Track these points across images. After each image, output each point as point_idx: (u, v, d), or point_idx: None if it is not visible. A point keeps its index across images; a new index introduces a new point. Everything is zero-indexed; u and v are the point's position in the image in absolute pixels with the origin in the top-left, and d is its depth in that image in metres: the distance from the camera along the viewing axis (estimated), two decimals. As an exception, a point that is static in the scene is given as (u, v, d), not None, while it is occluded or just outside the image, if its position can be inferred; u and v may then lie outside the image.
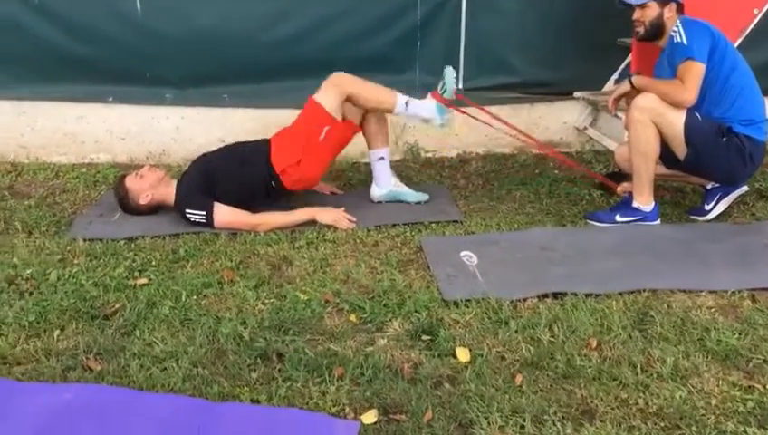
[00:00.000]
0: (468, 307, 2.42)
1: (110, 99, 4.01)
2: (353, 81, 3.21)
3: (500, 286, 2.56)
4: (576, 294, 2.48)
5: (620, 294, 2.49)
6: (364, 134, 3.43)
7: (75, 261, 2.84)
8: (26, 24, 3.82)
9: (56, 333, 2.29)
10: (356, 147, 3.97)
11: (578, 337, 2.23)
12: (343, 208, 3.22)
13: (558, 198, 3.51)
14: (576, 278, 2.62)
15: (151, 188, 3.26)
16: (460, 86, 4.12)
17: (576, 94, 4.18)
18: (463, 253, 2.87)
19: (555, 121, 4.28)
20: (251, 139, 3.96)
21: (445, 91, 3.24)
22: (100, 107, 4.03)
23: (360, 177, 3.91)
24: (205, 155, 3.37)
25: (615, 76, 4.18)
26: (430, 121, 3.29)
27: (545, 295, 2.50)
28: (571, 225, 3.19)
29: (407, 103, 3.23)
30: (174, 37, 3.90)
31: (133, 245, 3.01)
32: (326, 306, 2.47)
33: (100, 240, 3.03)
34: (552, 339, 2.23)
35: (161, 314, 2.41)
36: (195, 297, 2.54)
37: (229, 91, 4.04)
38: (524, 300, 2.47)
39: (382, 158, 3.43)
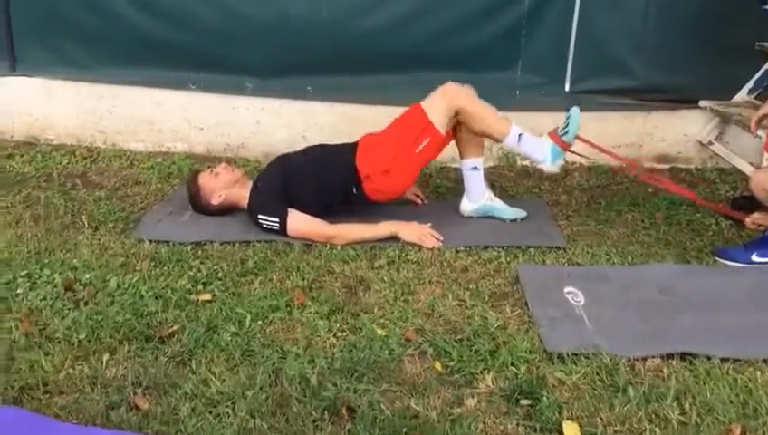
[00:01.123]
0: (576, 364, 2.03)
1: (192, 86, 3.79)
2: (468, 97, 2.87)
3: (614, 338, 2.16)
4: (709, 358, 2.05)
5: (766, 361, 2.04)
6: (456, 141, 3.06)
7: (138, 266, 2.62)
8: (108, 4, 3.64)
9: (106, 357, 2.05)
10: (446, 150, 3.63)
11: (716, 419, 1.81)
12: (430, 224, 2.88)
13: (678, 226, 3.04)
14: (707, 335, 2.18)
15: (225, 187, 3.01)
16: (566, 87, 3.71)
17: (702, 103, 3.66)
18: (567, 289, 2.47)
19: (674, 133, 3.77)
20: (334, 137, 3.72)
21: (566, 133, 2.86)
22: (180, 94, 3.83)
23: (449, 184, 3.56)
24: (285, 155, 3.10)
25: (750, 85, 3.63)
26: (538, 162, 2.93)
27: (670, 355, 2.08)
28: (696, 261, 2.73)
29: (520, 136, 2.87)
30: (259, 22, 3.64)
31: (200, 251, 2.76)
32: (407, 347, 2.14)
33: (167, 243, 2.81)
34: (683, 419, 1.81)
35: (222, 341, 2.14)
36: (260, 322, 2.26)
37: (314, 84, 3.75)
38: (644, 359, 2.06)
39: (476, 168, 3.06)
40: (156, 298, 2.39)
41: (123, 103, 3.87)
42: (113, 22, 3.67)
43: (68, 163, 3.70)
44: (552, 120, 3.73)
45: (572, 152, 2.97)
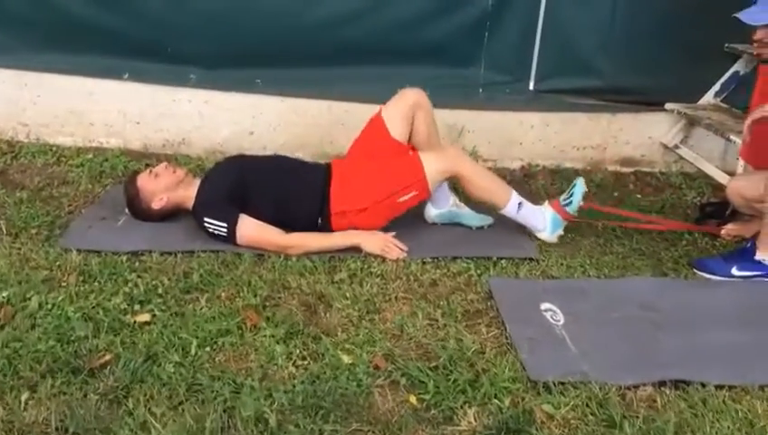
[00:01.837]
0: (564, 394, 1.85)
1: (126, 75, 3.43)
2: (470, 164, 2.73)
3: (600, 363, 1.98)
4: (704, 385, 1.89)
5: (763, 388, 1.90)
6: (415, 144, 2.85)
7: (64, 281, 2.30)
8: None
9: (25, 395, 1.74)
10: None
11: (721, 459, 1.65)
12: (393, 233, 2.65)
13: (650, 235, 2.90)
14: (697, 358, 2.03)
15: (167, 190, 2.70)
16: (531, 86, 3.54)
17: (668, 106, 3.55)
18: (544, 305, 2.29)
19: (638, 136, 3.66)
20: (285, 133, 3.47)
21: (569, 204, 2.71)
22: (114, 84, 3.46)
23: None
24: (245, 157, 2.82)
25: (716, 88, 3.55)
26: (536, 231, 2.77)
27: (663, 382, 1.91)
28: (674, 273, 2.60)
29: (519, 205, 2.70)
30: (205, 7, 3.30)
31: (137, 262, 2.46)
32: (376, 376, 1.91)
33: (98, 253, 2.49)
34: (686, 460, 1.65)
35: (164, 373, 1.86)
36: (208, 349, 1.99)
37: (263, 76, 3.45)
38: (636, 387, 1.89)
39: (438, 172, 2.85)
40: (85, 320, 2.08)
41: (49, 93, 3.47)
42: (39, 2, 3.28)
43: (-16, 159, 3.30)
44: (516, 119, 3.60)
45: (573, 220, 2.80)
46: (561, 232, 2.76)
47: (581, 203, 2.71)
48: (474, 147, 3.60)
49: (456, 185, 2.81)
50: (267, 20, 3.35)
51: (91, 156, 3.40)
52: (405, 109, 2.77)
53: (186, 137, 3.55)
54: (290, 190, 2.66)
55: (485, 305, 2.32)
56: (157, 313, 2.15)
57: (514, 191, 2.72)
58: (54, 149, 3.44)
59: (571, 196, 2.71)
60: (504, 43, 3.48)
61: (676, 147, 3.57)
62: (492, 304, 2.31)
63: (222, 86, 3.47)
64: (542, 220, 2.73)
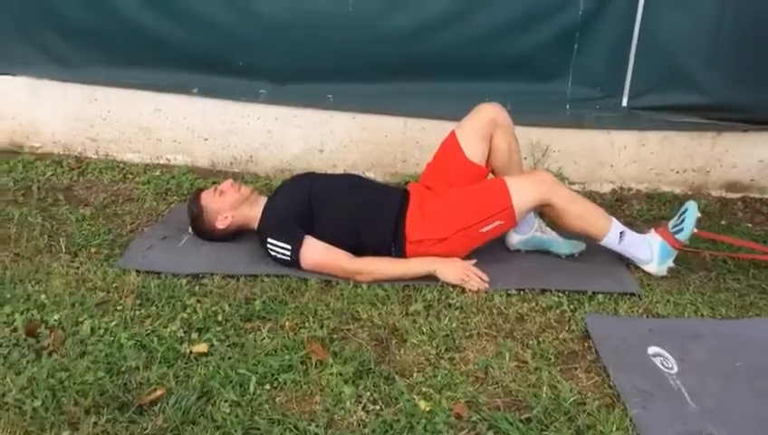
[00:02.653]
0: (687, 463, 1.53)
1: (195, 90, 3.32)
2: (564, 191, 2.43)
3: (729, 425, 1.66)
4: None
5: None
6: (492, 160, 2.59)
7: (120, 305, 2.14)
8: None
9: (65, 433, 1.56)
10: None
11: None
12: (473, 261, 2.39)
13: (769, 269, 2.54)
14: None
15: (232, 208, 2.54)
16: (624, 103, 3.22)
17: (782, 124, 3.17)
18: (652, 350, 1.98)
19: (747, 157, 3.28)
20: (356, 152, 3.26)
21: (680, 231, 2.40)
22: (183, 99, 3.36)
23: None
24: (315, 175, 2.64)
25: (839, 105, 3.14)
26: (642, 263, 2.46)
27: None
28: (803, 316, 2.23)
29: (621, 234, 2.41)
30: (275, 20, 3.15)
31: (198, 286, 2.28)
32: (458, 427, 1.65)
33: (158, 274, 2.33)
34: None
35: (219, 413, 1.65)
36: (268, 387, 1.78)
37: (335, 91, 3.26)
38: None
39: (521, 193, 2.57)
40: (138, 348, 1.91)
41: (118, 108, 3.40)
42: (108, 15, 3.20)
43: (52, 175, 3.23)
44: (606, 139, 3.29)
45: (686, 250, 2.49)
46: (671, 264, 2.44)
47: (695, 230, 2.38)
48: (559, 168, 3.31)
49: (542, 211, 2.51)
50: (339, 33, 3.16)
51: (157, 173, 3.29)
52: (481, 127, 2.53)
53: (254, 154, 3.40)
54: (363, 213, 2.45)
55: (582, 346, 2.02)
56: (215, 342, 1.96)
57: (614, 219, 2.42)
58: (122, 165, 3.36)
59: (682, 221, 2.40)
60: (595, 56, 3.18)
61: (793, 170, 3.18)
62: (589, 346, 2.02)
63: (292, 102, 3.31)
64: (649, 251, 2.43)
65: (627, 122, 3.25)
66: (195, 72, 3.29)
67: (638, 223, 2.97)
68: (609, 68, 3.21)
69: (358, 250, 2.41)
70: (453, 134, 2.57)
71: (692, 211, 2.39)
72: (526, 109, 3.01)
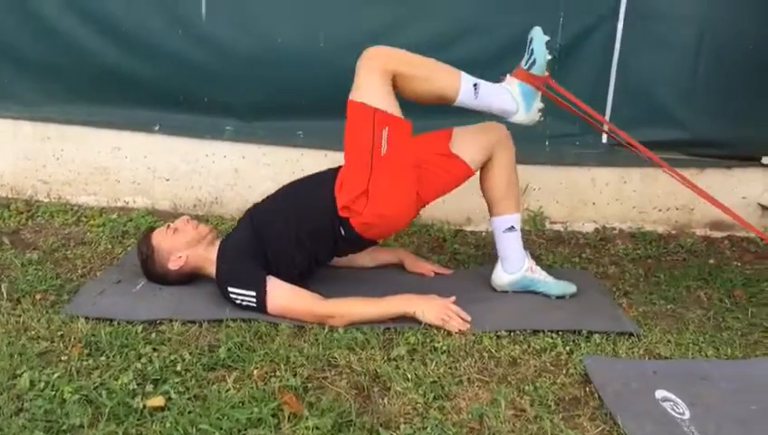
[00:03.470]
0: None
1: (157, 127, 3.13)
2: (395, 53, 2.16)
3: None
4: None
5: None
6: (484, 191, 2.43)
7: (65, 355, 1.90)
8: (59, 28, 3.00)
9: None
10: (456, 209, 3.02)
11: None
12: (453, 299, 2.20)
13: (767, 308, 2.41)
14: None
15: (187, 247, 2.32)
16: (603, 139, 3.13)
17: (765, 160, 3.10)
18: (660, 393, 1.81)
19: (730, 194, 3.19)
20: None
21: (533, 63, 2.17)
22: (143, 137, 3.16)
23: (470, 251, 2.91)
24: (254, 205, 2.44)
25: (821, 140, 3.10)
26: (510, 115, 2.22)
27: None
28: (813, 354, 2.09)
29: (475, 87, 2.16)
30: (243, 54, 3.00)
31: (154, 333, 2.05)
32: (454, 487, 1.43)
33: (110, 321, 2.10)
34: None
35: (175, 478, 1.41)
36: (235, 445, 1.54)
37: (305, 128, 3.11)
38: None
39: (512, 228, 2.41)
40: (83, 404, 1.67)
41: (73, 147, 3.19)
42: (64, 49, 3.02)
43: (-3, 219, 2.98)
44: (587, 176, 3.18)
45: (551, 91, 2.24)
46: (540, 104, 2.21)
47: (548, 56, 2.16)
48: (540, 207, 3.19)
49: (395, 86, 2.17)
50: (310, 69, 3.02)
51: (114, 216, 3.07)
52: (483, 140, 2.34)
53: (219, 195, 3.20)
54: (301, 212, 2.25)
55: (583, 392, 1.84)
56: (173, 395, 1.72)
57: (464, 72, 2.18)
58: (75, 208, 3.14)
59: (531, 53, 2.17)
60: (574, 91, 3.04)
61: (778, 207, 3.10)
62: (591, 390, 1.84)
63: (260, 139, 3.13)
64: (511, 98, 2.19)
65: (607, 159, 3.16)
66: (156, 108, 3.12)
67: (624, 263, 2.84)
68: (588, 103, 3.10)
69: (318, 253, 2.29)
70: (449, 128, 2.36)
71: (537, 38, 2.16)
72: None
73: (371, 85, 2.12)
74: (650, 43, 3.03)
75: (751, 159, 3.15)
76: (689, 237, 3.12)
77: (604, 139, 3.15)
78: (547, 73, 2.23)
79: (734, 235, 3.19)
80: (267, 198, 2.44)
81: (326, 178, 2.29)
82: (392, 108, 2.14)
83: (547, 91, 2.26)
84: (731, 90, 3.05)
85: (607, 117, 3.11)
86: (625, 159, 3.13)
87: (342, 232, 2.23)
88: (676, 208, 3.20)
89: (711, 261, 2.90)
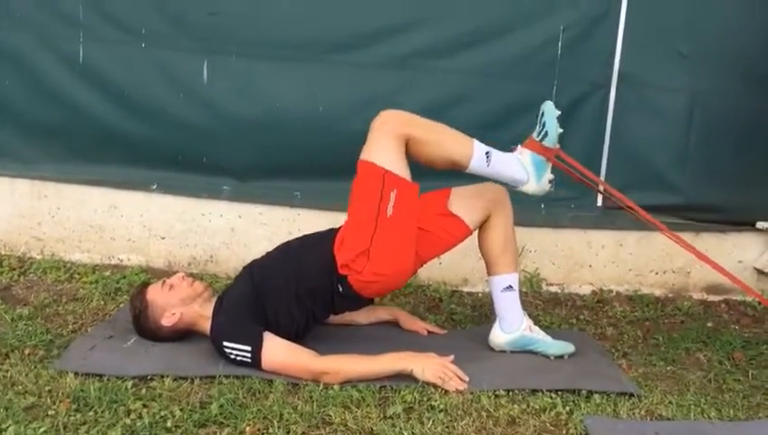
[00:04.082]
0: None
1: (154, 186, 3.14)
2: (409, 118, 2.21)
3: None
4: None
5: None
6: (482, 250, 2.43)
7: (52, 410, 1.85)
8: (58, 89, 3.04)
9: None
10: (452, 269, 3.01)
11: None
12: (451, 358, 2.17)
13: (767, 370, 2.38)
14: None
15: (182, 304, 2.30)
16: (599, 202, 3.16)
17: (760, 225, 3.13)
18: (663, 454, 1.75)
19: (727, 259, 3.19)
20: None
21: (545, 135, 2.21)
22: (140, 196, 3.17)
23: (466, 311, 2.89)
24: (252, 262, 2.44)
25: (814, 204, 3.13)
26: (520, 184, 2.25)
27: None
28: (817, 417, 2.05)
29: (488, 155, 2.20)
30: (244, 117, 3.04)
31: (145, 389, 2.00)
32: None
33: (100, 377, 2.05)
34: None
35: None
36: (225, 504, 1.48)
37: (303, 189, 3.13)
38: None
39: (510, 287, 2.40)
40: (69, 459, 1.61)
41: (69, 205, 3.19)
42: (64, 109, 3.04)
43: (-11, 275, 2.95)
44: (583, 239, 3.19)
45: (561, 163, 2.28)
46: (550, 175, 2.23)
47: (559, 129, 2.18)
48: (536, 268, 3.19)
49: (407, 151, 2.21)
50: (309, 132, 3.07)
51: (108, 273, 3.04)
52: (482, 200, 2.36)
53: (214, 254, 3.19)
54: (301, 271, 2.25)
55: (584, 452, 1.79)
56: (162, 452, 1.66)
57: (477, 140, 2.20)
58: (68, 265, 3.10)
59: (543, 126, 2.19)
60: (569, 155, 3.13)
61: (774, 271, 3.10)
62: (593, 451, 1.78)
63: (257, 199, 3.15)
64: (522, 169, 2.21)
65: (603, 222, 3.17)
66: (154, 168, 3.14)
67: (622, 325, 2.82)
68: (583, 166, 3.16)
69: (316, 310, 2.27)
70: (448, 188, 2.39)
71: (549, 111, 2.19)
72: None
73: (383, 147, 2.17)
74: (643, 111, 3.09)
75: (746, 224, 3.17)
76: (686, 300, 3.11)
77: (599, 202, 3.18)
78: (558, 146, 2.27)
79: (730, 298, 3.19)
80: (266, 254, 2.44)
81: (325, 237, 2.31)
82: (402, 171, 2.18)
83: (558, 163, 2.30)
84: (724, 156, 3.10)
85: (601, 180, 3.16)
86: (620, 221, 3.15)
87: (340, 289, 2.23)
88: (673, 271, 3.20)
89: (709, 324, 2.89)
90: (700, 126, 3.09)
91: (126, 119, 3.07)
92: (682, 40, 3.02)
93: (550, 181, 2.27)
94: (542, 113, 2.24)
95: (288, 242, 2.45)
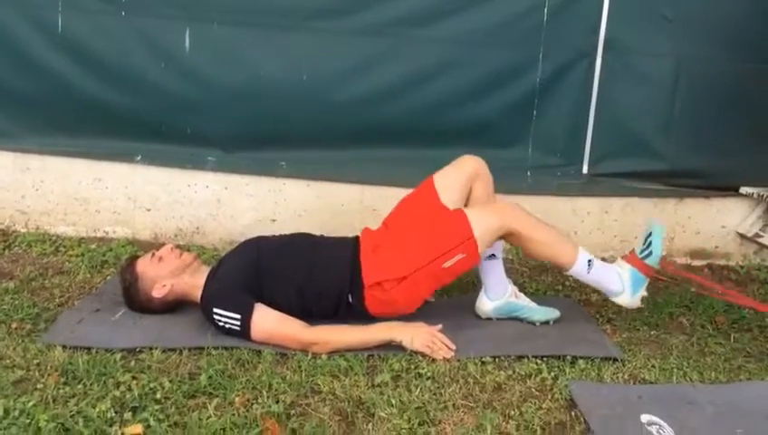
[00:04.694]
0: None
1: (138, 158, 3.11)
2: (526, 217, 2.27)
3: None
4: None
5: None
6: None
7: (41, 383, 1.85)
8: (39, 60, 2.98)
9: None
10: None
11: None
12: (439, 327, 2.19)
13: (752, 334, 2.44)
14: None
15: (172, 275, 2.30)
16: (585, 170, 3.17)
17: (744, 190, 3.15)
18: (645, 418, 1.80)
19: (711, 224, 3.24)
20: (311, 221, 3.08)
21: (649, 254, 2.25)
22: (124, 168, 3.14)
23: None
24: (263, 238, 2.43)
25: (797, 169, 3.16)
26: (614, 295, 2.30)
27: None
28: (795, 378, 2.10)
29: (589, 263, 2.26)
30: (227, 86, 3.02)
31: (133, 361, 2.01)
32: None
33: (88, 350, 2.05)
34: None
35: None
36: (215, 473, 1.50)
37: (288, 158, 3.11)
38: None
39: (494, 256, 2.42)
40: (59, 432, 1.63)
41: (53, 178, 3.15)
42: (45, 81, 2.99)
43: (-26, 249, 2.93)
44: (569, 206, 3.21)
45: (657, 278, 2.36)
46: (644, 293, 2.28)
47: (663, 253, 2.25)
48: (522, 236, 3.19)
49: (506, 240, 2.33)
50: (294, 101, 3.05)
51: (94, 246, 3.03)
52: (462, 178, 2.41)
53: (201, 225, 3.18)
54: (314, 267, 2.25)
55: (569, 416, 1.82)
56: (152, 423, 1.68)
57: (582, 247, 2.28)
58: (54, 238, 3.08)
59: (649, 245, 2.25)
60: (554, 123, 3.15)
61: (757, 235, 3.13)
62: (577, 415, 1.82)
63: (243, 169, 3.13)
64: (619, 281, 2.26)
65: (589, 189, 3.19)
66: (138, 139, 3.10)
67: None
68: (568, 135, 3.18)
69: (315, 310, 2.24)
70: (431, 180, 2.43)
71: (658, 233, 2.25)
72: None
73: (488, 223, 2.21)
74: (628, 78, 3.10)
75: (729, 189, 3.20)
76: (672, 266, 3.14)
77: (585, 169, 3.19)
78: (659, 267, 2.31)
79: (713, 263, 3.23)
80: (278, 237, 2.46)
81: (346, 248, 2.32)
82: (481, 247, 2.21)
83: (657, 278, 2.36)
84: (708, 122, 3.12)
85: (587, 149, 3.18)
86: (606, 188, 3.17)
87: (350, 299, 2.24)
88: (657, 238, 3.22)
89: (692, 289, 2.92)
90: (685, 92, 3.10)
91: (107, 89, 3.02)
92: (667, 5, 3.01)
93: (642, 298, 2.30)
94: (650, 233, 2.28)
95: (306, 234, 2.46)
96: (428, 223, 2.27)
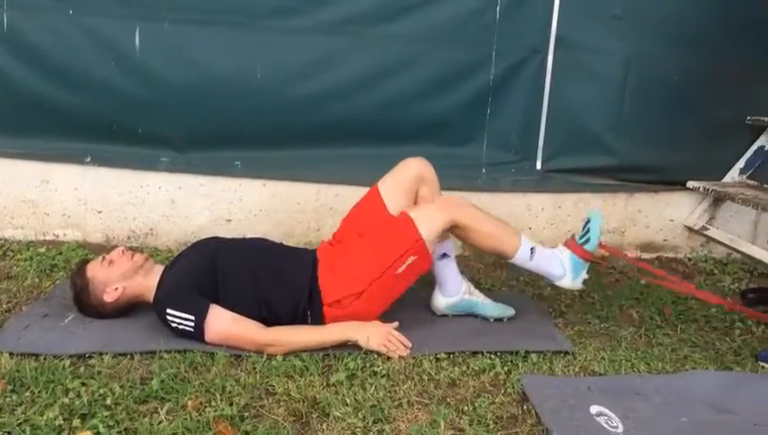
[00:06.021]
0: None
1: (88, 159, 3.05)
2: (468, 209, 2.30)
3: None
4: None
5: None
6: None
7: (-14, 391, 1.80)
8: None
9: None
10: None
11: None
12: (396, 324, 2.21)
13: (696, 324, 2.51)
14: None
15: (123, 278, 2.26)
16: (538, 166, 3.22)
17: (691, 184, 3.24)
18: (594, 409, 1.84)
19: (659, 217, 3.32)
20: (267, 221, 3.06)
21: (587, 241, 2.31)
22: (74, 170, 3.07)
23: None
24: (217, 240, 2.40)
25: (741, 165, 3.27)
26: (555, 279, 2.34)
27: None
28: (738, 368, 2.16)
29: (532, 251, 2.30)
30: (179, 85, 2.96)
31: (83, 367, 1.97)
32: (394, 509, 1.41)
33: (36, 356, 2.01)
34: None
35: None
36: (166, 478, 1.48)
37: (243, 158, 3.08)
38: None
39: (446, 255, 2.45)
40: (5, 441, 1.58)
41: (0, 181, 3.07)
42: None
43: None
44: (523, 202, 3.25)
45: (595, 262, 2.40)
46: (585, 275, 2.33)
47: (601, 239, 2.32)
48: (478, 233, 3.22)
49: (452, 233, 2.35)
50: (248, 98, 3.01)
51: (43, 250, 2.95)
52: (406, 183, 2.42)
53: (154, 227, 3.13)
54: (273, 281, 2.23)
55: (521, 410, 1.85)
56: (101, 429, 1.65)
57: (525, 236, 2.31)
58: (1, 242, 3.00)
59: (587, 232, 2.32)
60: (508, 120, 3.19)
61: (704, 228, 3.22)
62: (529, 408, 1.85)
63: (197, 170, 3.09)
64: (560, 265, 2.31)
65: (542, 185, 3.24)
66: (88, 139, 3.03)
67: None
68: (522, 132, 3.22)
69: (270, 321, 2.19)
70: (375, 188, 2.44)
71: (595, 220, 2.32)
72: (442, 173, 2.86)
73: (432, 221, 2.22)
74: (579, 75, 3.16)
75: (677, 184, 3.28)
76: (621, 259, 3.21)
77: (539, 165, 3.24)
78: (598, 251, 2.37)
79: (662, 256, 3.32)
80: (236, 241, 2.43)
81: (305, 263, 2.29)
82: (430, 246, 2.23)
83: (595, 262, 2.41)
84: (656, 119, 3.20)
85: (540, 145, 3.22)
86: (559, 184, 3.23)
87: (308, 313, 2.22)
88: (609, 231, 3.30)
89: (642, 281, 2.99)
90: (634, 89, 3.16)
91: (55, 88, 2.94)
92: (616, 3, 3.07)
93: (584, 281, 2.35)
94: (589, 220, 2.35)
95: (262, 243, 2.44)
96: (376, 233, 2.28)
